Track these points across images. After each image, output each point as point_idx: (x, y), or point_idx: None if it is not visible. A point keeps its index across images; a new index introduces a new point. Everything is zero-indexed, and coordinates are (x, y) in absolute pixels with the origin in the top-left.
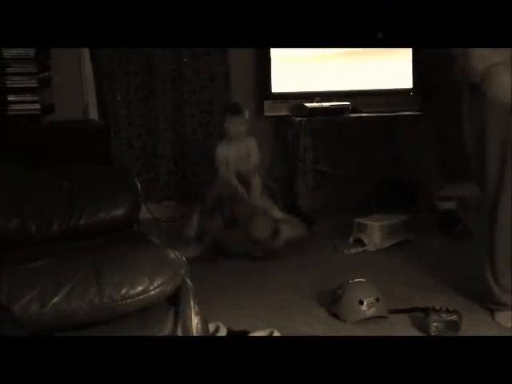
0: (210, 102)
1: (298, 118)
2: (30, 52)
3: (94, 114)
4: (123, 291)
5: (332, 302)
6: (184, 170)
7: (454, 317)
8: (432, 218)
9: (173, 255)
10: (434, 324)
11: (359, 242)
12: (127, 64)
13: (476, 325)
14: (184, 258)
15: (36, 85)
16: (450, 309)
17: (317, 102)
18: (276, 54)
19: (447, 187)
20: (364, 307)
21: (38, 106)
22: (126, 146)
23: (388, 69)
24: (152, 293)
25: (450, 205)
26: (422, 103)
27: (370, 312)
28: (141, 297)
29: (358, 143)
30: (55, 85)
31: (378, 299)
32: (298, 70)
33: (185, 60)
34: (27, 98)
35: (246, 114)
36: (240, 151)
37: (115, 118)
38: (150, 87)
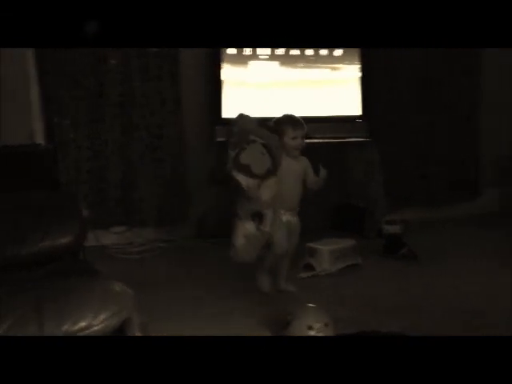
0: (160, 127)
1: None
2: None
3: (40, 139)
4: (65, 327)
5: (281, 328)
6: (133, 195)
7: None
8: (379, 241)
9: (119, 288)
10: None
11: (309, 267)
12: (76, 88)
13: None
14: (131, 291)
15: None
16: (396, 331)
17: None
18: (227, 79)
19: (393, 211)
20: (313, 332)
21: None
22: (73, 170)
23: (337, 96)
24: (96, 328)
25: (395, 229)
26: (369, 130)
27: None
28: (84, 333)
29: None
30: (0, 109)
31: (326, 324)
32: (249, 95)
33: (135, 84)
34: None
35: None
36: (296, 172)
37: (62, 142)
38: (98, 111)
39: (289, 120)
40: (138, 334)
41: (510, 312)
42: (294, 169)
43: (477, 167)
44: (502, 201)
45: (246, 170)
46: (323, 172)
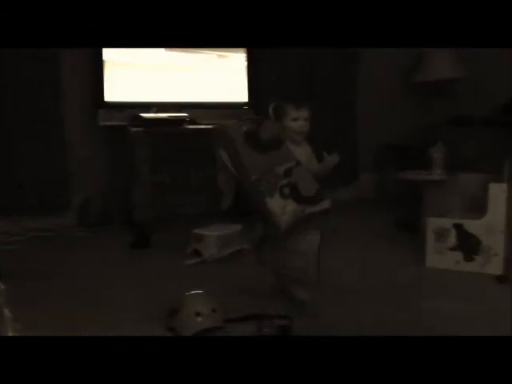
0: (39, 110)
1: (134, 129)
2: None
3: None
4: None
5: (169, 316)
6: (10, 182)
7: (285, 322)
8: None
9: None
10: (267, 329)
11: (197, 253)
12: None
13: (307, 327)
14: (2, 285)
15: None
16: (282, 314)
17: (154, 112)
18: (111, 60)
19: None
20: (200, 319)
21: None
22: None
23: (224, 82)
24: None
25: None
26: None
27: (207, 323)
28: None
29: (195, 154)
30: None
31: (214, 310)
32: (134, 78)
33: (10, 64)
34: None
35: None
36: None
37: None
38: None
39: (291, 99)
40: (10, 331)
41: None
42: (304, 156)
43: (355, 154)
44: (378, 186)
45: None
46: (331, 159)
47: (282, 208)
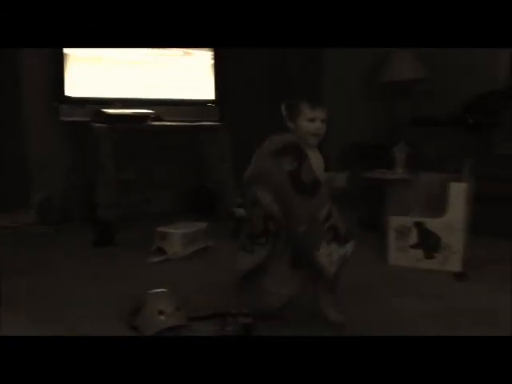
0: None
1: (98, 125)
2: None
3: None
4: None
5: (131, 315)
6: None
7: (248, 320)
8: (230, 224)
9: None
10: (230, 328)
11: (161, 251)
12: None
13: (270, 325)
14: None
15: None
16: (246, 312)
17: (118, 108)
18: (73, 55)
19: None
20: (164, 317)
21: None
22: None
23: (189, 79)
24: None
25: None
26: (221, 114)
27: (171, 322)
28: None
29: (160, 151)
30: None
31: (178, 308)
32: (98, 73)
33: None
34: None
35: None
36: (320, 165)
37: None
38: None
39: (305, 98)
40: None
41: None
42: (317, 162)
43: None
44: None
45: None
46: (340, 180)
47: (330, 257)
